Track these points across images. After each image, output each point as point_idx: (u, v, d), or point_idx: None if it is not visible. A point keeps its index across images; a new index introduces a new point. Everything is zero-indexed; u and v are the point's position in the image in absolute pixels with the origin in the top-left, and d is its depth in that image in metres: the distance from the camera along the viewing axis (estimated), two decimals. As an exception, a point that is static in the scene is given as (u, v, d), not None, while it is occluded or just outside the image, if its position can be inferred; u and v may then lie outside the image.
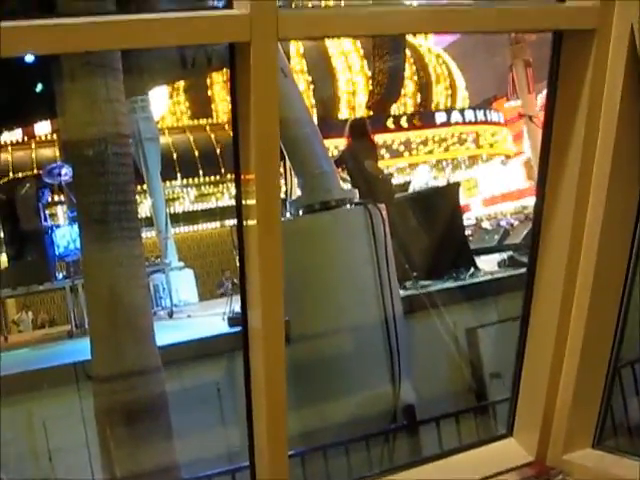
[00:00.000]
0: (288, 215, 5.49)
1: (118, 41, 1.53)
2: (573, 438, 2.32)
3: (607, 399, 2.37)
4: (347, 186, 6.61)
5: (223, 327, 5.90)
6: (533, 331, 2.41)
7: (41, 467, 4.48)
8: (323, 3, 18.01)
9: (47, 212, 9.25)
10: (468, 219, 21.86)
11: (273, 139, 1.82)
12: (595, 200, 2.13)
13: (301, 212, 5.36)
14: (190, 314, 9.05)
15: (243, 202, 1.95)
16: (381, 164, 9.13)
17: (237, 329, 4.94)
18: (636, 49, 1.86)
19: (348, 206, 5.28)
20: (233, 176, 1.99)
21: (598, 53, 1.99)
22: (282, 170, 6.20)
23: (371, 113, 20.76)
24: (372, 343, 4.94)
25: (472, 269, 6.80)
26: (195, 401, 4.74)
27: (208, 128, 19.64)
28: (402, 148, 21.09)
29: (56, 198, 11.56)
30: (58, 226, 8.93)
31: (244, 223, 1.97)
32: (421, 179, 21.67)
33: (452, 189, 8.34)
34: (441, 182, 20.57)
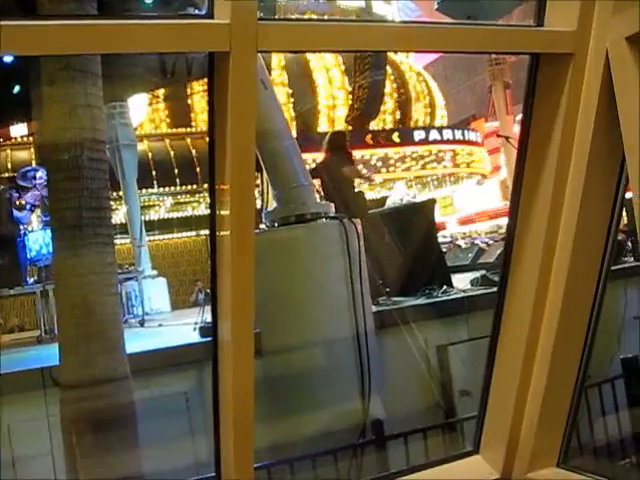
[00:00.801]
0: (263, 226, 5.48)
1: (98, 46, 1.53)
2: (538, 456, 2.33)
3: (573, 419, 2.39)
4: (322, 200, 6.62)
5: (194, 337, 5.87)
6: (502, 350, 2.43)
7: (4, 474, 4.41)
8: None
9: (20, 215, 9.14)
10: (443, 237, 21.95)
11: (249, 150, 1.82)
12: (567, 221, 2.16)
13: (276, 224, 5.36)
14: (162, 323, 8.98)
15: (217, 212, 1.94)
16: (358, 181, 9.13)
17: (208, 339, 4.91)
18: (611, 74, 1.89)
19: (323, 220, 5.29)
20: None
21: (574, 77, 2.02)
22: (258, 181, 6.20)
23: (350, 128, 20.83)
24: (343, 357, 4.93)
25: (445, 286, 6.82)
26: (163, 411, 4.70)
27: (187, 137, 19.58)
28: (380, 164, 21.17)
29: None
30: (31, 230, 8.85)
31: (217, 233, 1.96)
32: (398, 195, 21.73)
33: (428, 205, 8.36)
34: (417, 199, 20.66)
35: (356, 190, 7.95)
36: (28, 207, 8.97)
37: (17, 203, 9.10)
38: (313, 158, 11.40)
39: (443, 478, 2.42)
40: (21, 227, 8.85)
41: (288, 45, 1.76)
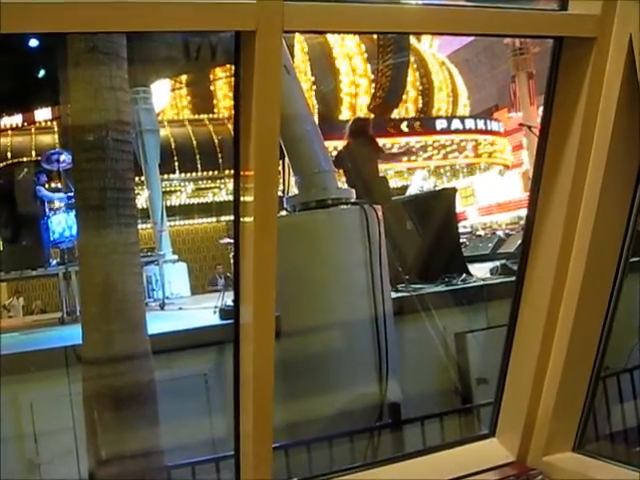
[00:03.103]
0: (284, 212, 5.50)
1: (125, 24, 1.55)
2: (554, 441, 2.35)
3: (589, 406, 2.40)
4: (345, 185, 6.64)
5: (214, 320, 5.92)
6: (519, 337, 2.44)
7: (28, 447, 4.51)
8: None
9: (47, 194, 9.22)
10: (464, 227, 21.87)
11: (273, 132, 1.84)
12: (586, 211, 2.16)
13: (297, 209, 5.38)
14: (182, 306, 9.06)
15: (241, 198, 1.97)
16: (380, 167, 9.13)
17: (228, 321, 4.96)
18: (634, 59, 1.89)
19: (344, 205, 5.30)
20: (231, 172, 2.01)
21: (596, 62, 2.02)
22: (280, 168, 6.23)
23: (372, 116, 20.77)
24: (361, 341, 4.96)
25: (464, 274, 6.81)
26: (183, 390, 4.75)
27: (208, 123, 19.61)
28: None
29: (53, 185, 11.55)
30: (55, 212, 8.93)
31: (241, 219, 1.99)
32: (419, 184, 21.71)
33: (448, 194, 8.34)
34: (437, 188, 20.63)
35: (380, 176, 7.95)
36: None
37: (46, 186, 9.21)
38: (334, 146, 11.41)
39: (459, 460, 2.44)
40: (45, 209, 8.93)
41: (314, 25, 1.77)
